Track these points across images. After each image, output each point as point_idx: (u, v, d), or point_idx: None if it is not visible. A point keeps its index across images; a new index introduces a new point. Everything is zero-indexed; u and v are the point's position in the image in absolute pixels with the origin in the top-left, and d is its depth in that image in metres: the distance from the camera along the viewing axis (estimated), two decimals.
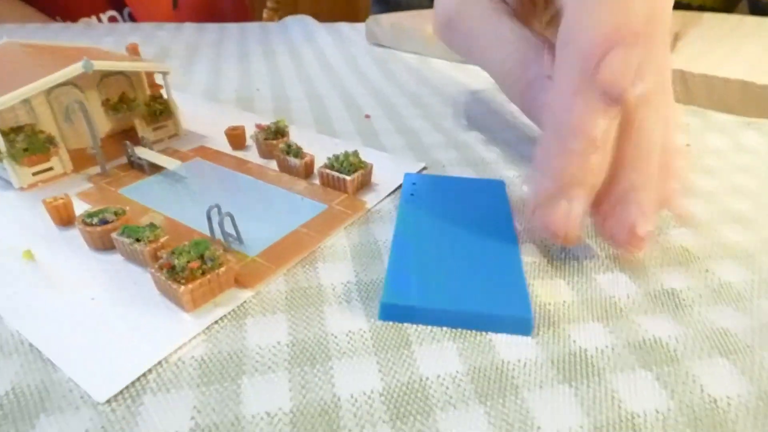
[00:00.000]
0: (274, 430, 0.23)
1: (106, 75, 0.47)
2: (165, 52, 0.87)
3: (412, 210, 0.38)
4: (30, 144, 0.39)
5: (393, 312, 0.29)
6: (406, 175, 0.43)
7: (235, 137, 0.49)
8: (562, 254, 0.36)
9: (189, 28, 1.02)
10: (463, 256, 0.33)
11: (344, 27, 1.05)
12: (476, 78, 0.76)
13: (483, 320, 0.28)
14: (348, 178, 0.41)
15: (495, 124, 0.59)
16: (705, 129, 0.59)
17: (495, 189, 0.41)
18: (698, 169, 0.50)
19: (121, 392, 0.24)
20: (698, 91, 0.66)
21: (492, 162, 0.49)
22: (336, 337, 0.28)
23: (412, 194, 0.40)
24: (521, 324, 0.28)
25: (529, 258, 0.35)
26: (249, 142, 0.50)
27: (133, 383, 0.25)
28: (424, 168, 0.47)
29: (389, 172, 0.46)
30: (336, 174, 0.41)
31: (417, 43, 0.87)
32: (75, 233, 0.35)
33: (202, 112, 0.58)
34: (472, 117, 0.61)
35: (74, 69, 0.40)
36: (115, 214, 0.34)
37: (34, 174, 0.41)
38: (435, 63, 0.83)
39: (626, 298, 0.32)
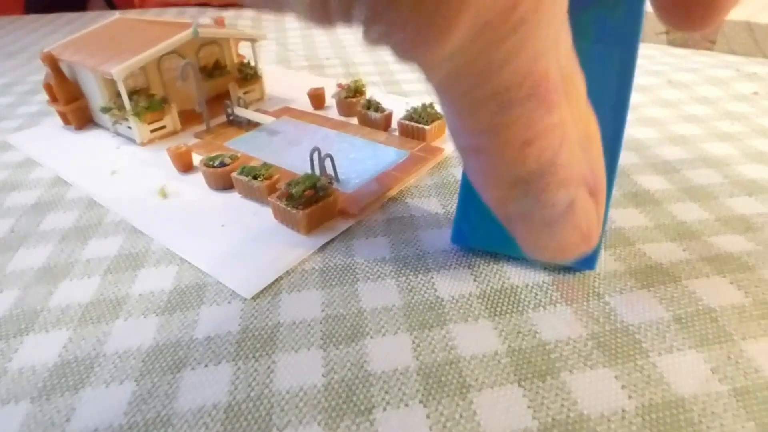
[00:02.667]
0: (391, 319, 0.27)
1: (203, 44, 0.52)
2: None
3: None
4: (149, 103, 0.45)
5: (468, 236, 0.32)
6: None
7: (317, 97, 0.53)
8: (633, 188, 0.38)
9: (250, 11, 1.08)
10: None
11: None
12: None
13: None
14: (427, 127, 0.44)
15: None
16: None
17: None
18: (767, 113, 0.50)
19: (262, 291, 0.29)
20: (765, 41, 0.65)
21: None
22: (432, 254, 0.32)
23: None
24: (586, 259, 0.29)
25: None
26: (328, 102, 0.54)
27: (270, 285, 0.30)
28: None
29: None
30: (415, 124, 0.45)
31: None
32: (195, 177, 0.41)
33: (279, 78, 0.63)
34: None
35: (186, 35, 0.45)
36: (230, 158, 0.39)
37: (152, 131, 0.46)
38: None
39: (698, 223, 0.34)
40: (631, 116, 0.51)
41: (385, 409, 0.23)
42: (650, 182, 0.39)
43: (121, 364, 0.25)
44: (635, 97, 0.55)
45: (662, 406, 0.22)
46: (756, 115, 0.50)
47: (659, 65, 0.65)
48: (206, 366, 0.25)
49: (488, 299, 0.29)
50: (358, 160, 0.42)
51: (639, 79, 0.60)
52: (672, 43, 0.73)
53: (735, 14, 0.68)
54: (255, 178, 0.36)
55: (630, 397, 0.23)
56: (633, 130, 0.48)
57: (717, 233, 0.33)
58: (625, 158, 0.43)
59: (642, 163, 0.42)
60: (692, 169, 0.41)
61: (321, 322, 0.27)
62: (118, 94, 0.44)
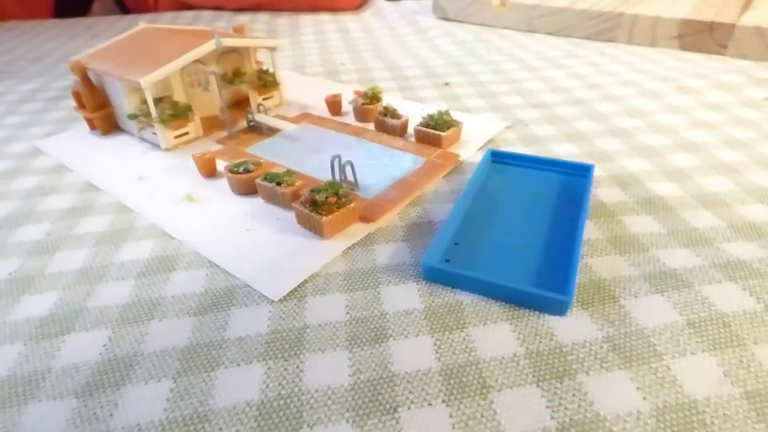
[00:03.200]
0: (413, 322, 0.28)
1: (223, 52, 0.53)
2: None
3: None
4: (174, 110, 0.46)
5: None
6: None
7: (334, 104, 0.54)
8: (647, 194, 0.39)
9: (264, 15, 1.09)
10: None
11: (410, 3, 1.09)
12: (547, 44, 0.78)
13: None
14: (443, 134, 0.45)
15: (572, 86, 0.61)
16: None
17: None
18: None
19: (288, 294, 0.30)
20: None
21: (571, 119, 0.53)
22: None
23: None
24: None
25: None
26: (345, 108, 0.56)
27: (296, 288, 0.31)
28: (508, 127, 0.51)
29: (476, 129, 0.50)
30: (431, 131, 0.46)
31: (483, 14, 0.90)
32: (219, 182, 0.42)
33: (296, 83, 0.64)
34: (549, 79, 0.64)
35: (209, 45, 0.46)
36: (254, 165, 0.41)
37: (176, 137, 0.48)
38: (504, 33, 0.85)
39: (710, 230, 0.35)
40: (642, 123, 0.51)
41: (409, 408, 0.24)
42: (663, 189, 0.40)
43: (159, 362, 0.26)
44: (647, 104, 0.56)
45: (676, 408, 0.23)
46: (766, 122, 0.50)
47: (670, 70, 0.66)
48: (238, 365, 0.26)
49: (506, 303, 0.30)
50: (376, 166, 0.43)
51: (650, 85, 0.61)
52: (683, 47, 0.73)
53: (746, 19, 0.69)
54: (279, 184, 0.38)
55: (645, 398, 0.24)
56: (645, 136, 0.49)
57: (729, 240, 0.34)
58: (637, 165, 0.44)
59: (654, 169, 0.43)
60: (704, 176, 0.42)
61: (346, 324, 0.28)
62: (144, 102, 0.46)
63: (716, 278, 0.30)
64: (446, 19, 0.96)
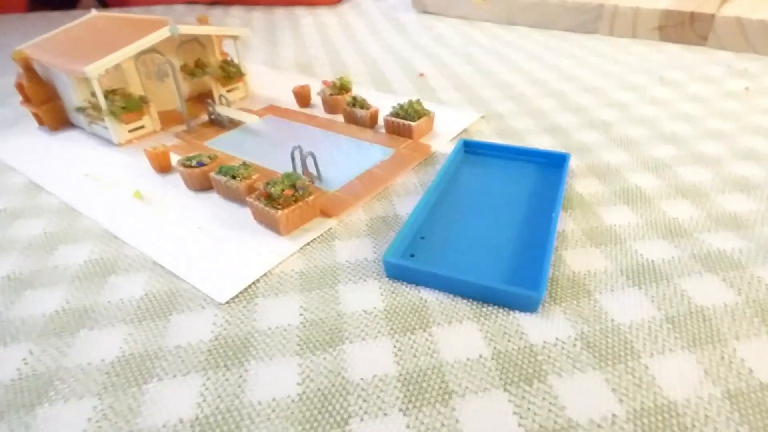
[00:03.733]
0: (372, 323, 0.26)
1: (183, 42, 0.51)
2: None
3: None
4: (127, 103, 0.43)
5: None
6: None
7: (302, 95, 0.52)
8: (625, 185, 0.37)
9: (238, 10, 1.06)
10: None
11: None
12: (527, 37, 0.77)
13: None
14: (413, 124, 0.43)
15: (551, 78, 0.60)
16: (763, 73, 0.58)
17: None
18: (757, 110, 0.49)
19: (237, 296, 0.28)
20: (756, 37, 0.65)
21: (549, 110, 0.51)
22: None
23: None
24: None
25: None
26: (314, 100, 0.53)
27: (246, 289, 0.28)
28: (482, 117, 0.49)
29: (449, 120, 0.48)
30: (401, 121, 0.44)
31: (464, 7, 0.88)
32: (173, 178, 0.40)
33: (265, 77, 0.62)
34: (526, 72, 0.62)
35: (163, 33, 0.44)
36: (209, 157, 0.38)
37: (129, 131, 0.45)
38: (483, 25, 0.84)
39: (689, 220, 0.33)
40: (622, 115, 0.50)
41: (362, 419, 0.21)
42: (642, 180, 0.38)
43: (84, 377, 0.23)
44: (628, 96, 0.54)
45: (654, 411, 0.21)
46: (747, 113, 0.49)
47: (651, 62, 0.64)
48: (174, 377, 0.23)
49: (474, 300, 0.27)
50: (342, 158, 0.41)
51: (631, 77, 0.59)
52: (664, 38, 0.72)
53: (726, 10, 0.67)
54: (234, 177, 0.35)
55: (621, 401, 0.22)
56: (624, 128, 0.47)
57: (708, 230, 0.32)
58: (616, 156, 0.42)
59: (633, 160, 0.41)
60: (683, 166, 0.40)
61: (298, 328, 0.26)
62: (94, 94, 0.43)
63: (695, 270, 0.29)
64: (426, 12, 0.94)
